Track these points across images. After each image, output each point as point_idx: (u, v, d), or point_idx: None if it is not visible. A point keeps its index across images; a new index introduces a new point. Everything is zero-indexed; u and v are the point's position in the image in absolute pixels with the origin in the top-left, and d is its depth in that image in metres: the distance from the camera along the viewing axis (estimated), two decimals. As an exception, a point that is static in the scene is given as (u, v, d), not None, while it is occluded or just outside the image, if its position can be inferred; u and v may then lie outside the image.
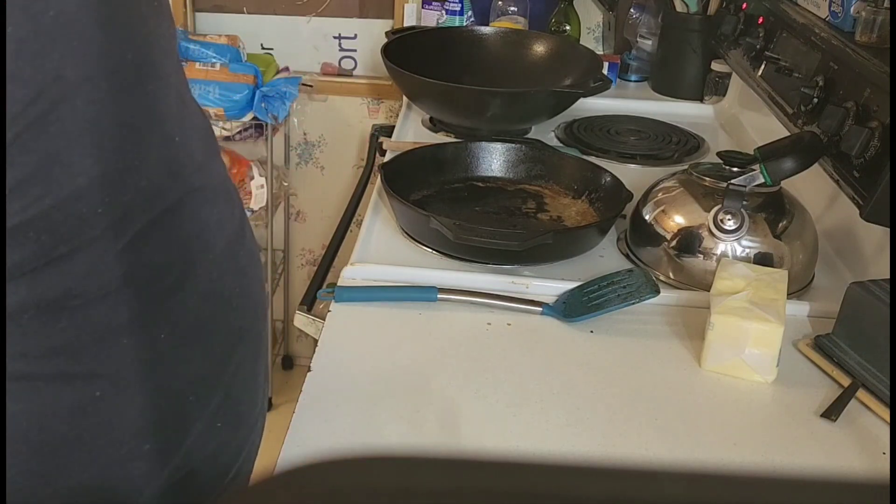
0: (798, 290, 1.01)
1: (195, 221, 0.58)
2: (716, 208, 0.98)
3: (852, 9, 1.10)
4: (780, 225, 1.00)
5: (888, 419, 0.79)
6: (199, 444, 0.59)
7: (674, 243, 1.01)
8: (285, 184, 2.15)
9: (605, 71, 1.58)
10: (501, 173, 1.26)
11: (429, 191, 1.21)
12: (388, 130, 1.53)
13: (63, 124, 0.47)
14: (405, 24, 1.93)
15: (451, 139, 1.44)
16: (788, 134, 1.15)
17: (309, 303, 1.03)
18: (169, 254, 0.56)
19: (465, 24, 1.87)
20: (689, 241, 1.00)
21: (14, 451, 0.50)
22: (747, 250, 0.98)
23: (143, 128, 0.53)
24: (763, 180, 0.99)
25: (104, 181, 0.50)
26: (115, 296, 0.52)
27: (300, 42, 2.11)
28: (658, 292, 0.92)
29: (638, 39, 1.80)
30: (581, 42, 1.84)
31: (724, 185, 0.99)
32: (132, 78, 0.52)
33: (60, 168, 0.47)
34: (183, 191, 0.57)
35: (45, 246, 0.48)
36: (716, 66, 1.64)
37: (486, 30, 1.69)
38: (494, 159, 1.26)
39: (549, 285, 0.98)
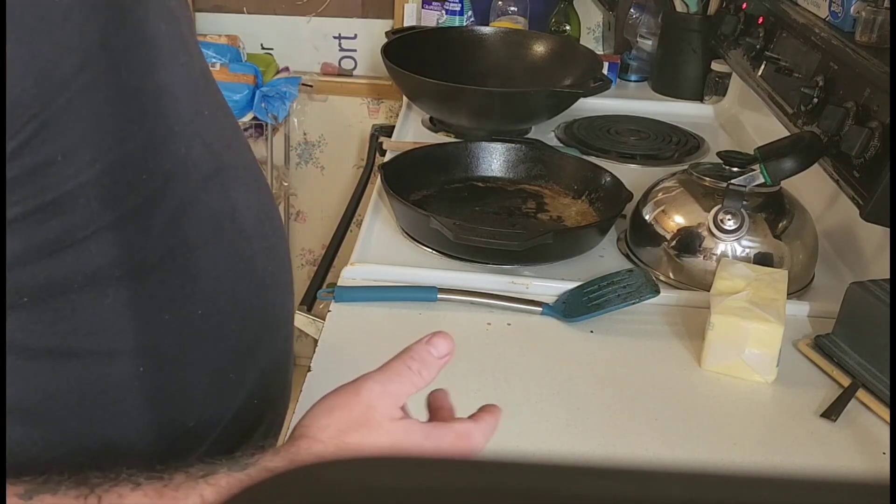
0: (798, 290, 1.01)
1: (226, 199, 0.59)
2: (716, 208, 0.98)
3: (852, 9, 1.10)
4: (780, 225, 1.00)
5: (888, 419, 0.79)
6: (236, 422, 0.60)
7: (674, 243, 1.01)
8: (285, 184, 2.15)
9: (605, 71, 1.58)
10: (501, 173, 1.26)
11: (429, 191, 1.21)
12: (388, 130, 1.53)
13: (106, 93, 0.47)
14: (405, 24, 1.93)
15: (451, 139, 1.44)
16: (788, 134, 1.15)
17: (309, 303, 1.03)
18: (203, 231, 0.56)
19: (465, 24, 1.87)
20: (689, 241, 1.00)
21: (65, 427, 0.51)
22: (747, 250, 0.98)
23: (180, 97, 0.54)
24: (763, 180, 0.99)
25: (148, 147, 0.51)
26: (154, 272, 0.52)
27: (300, 42, 2.11)
28: (658, 292, 0.92)
29: (638, 39, 1.80)
30: (581, 42, 1.84)
31: (724, 185, 0.99)
32: (167, 45, 0.52)
33: (106, 133, 0.48)
34: (214, 166, 0.57)
35: (94, 211, 0.48)
36: (716, 66, 1.64)
37: (486, 30, 1.69)
38: (494, 159, 1.26)
39: (549, 285, 0.98)
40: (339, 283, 0.98)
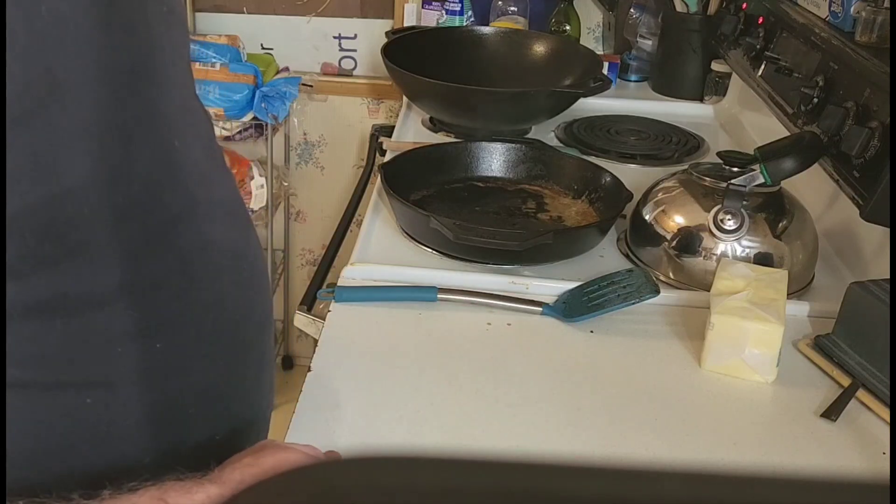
0: (798, 290, 1.01)
1: (198, 236, 0.58)
2: (716, 208, 0.98)
3: (852, 9, 1.10)
4: (780, 225, 1.00)
5: (888, 419, 0.79)
6: (197, 455, 0.59)
7: (674, 243, 1.01)
8: (285, 184, 2.15)
9: (605, 71, 1.58)
10: (501, 173, 1.26)
11: (429, 191, 1.21)
12: (388, 130, 1.53)
13: (50, 122, 0.46)
14: (405, 24, 1.93)
15: (451, 139, 1.44)
16: (788, 134, 1.15)
17: (309, 303, 1.03)
18: (168, 265, 0.55)
19: (465, 24, 1.87)
20: (689, 241, 1.00)
21: (11, 457, 0.50)
22: (747, 250, 0.98)
23: (137, 132, 0.53)
24: (763, 180, 0.99)
25: (94, 182, 0.49)
26: (111, 303, 0.51)
27: (300, 42, 2.11)
28: (658, 292, 0.92)
29: (638, 39, 1.80)
30: (581, 42, 1.84)
31: (724, 185, 0.99)
32: (129, 81, 0.51)
33: (46, 166, 0.47)
34: (185, 202, 0.56)
35: (30, 244, 0.47)
36: (716, 66, 1.64)
37: (486, 30, 1.69)
38: (494, 159, 1.26)
39: (549, 285, 0.98)
40: (339, 283, 0.98)
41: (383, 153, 1.42)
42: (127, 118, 0.52)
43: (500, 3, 1.87)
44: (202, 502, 0.45)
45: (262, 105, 1.90)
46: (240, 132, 2.02)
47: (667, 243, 1.02)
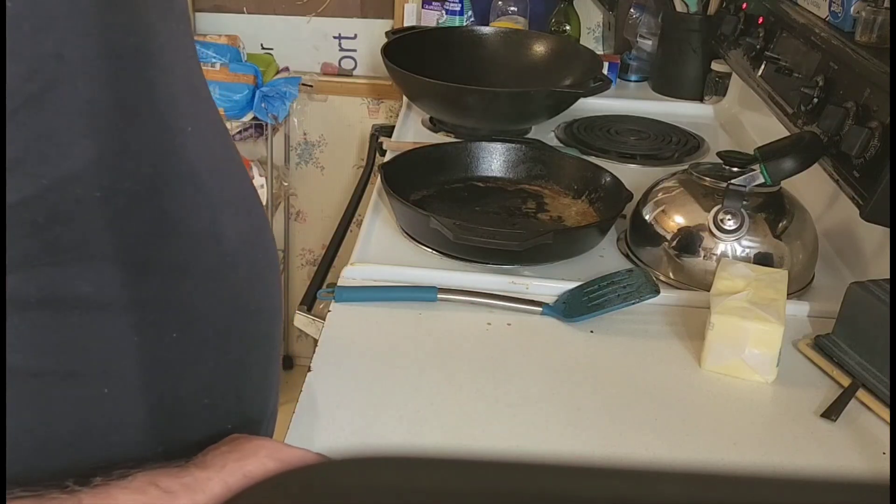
0: (798, 290, 1.01)
1: (212, 226, 0.58)
2: (716, 208, 0.98)
3: (852, 9, 1.10)
4: (780, 225, 1.00)
5: (888, 419, 0.79)
6: (208, 446, 0.59)
7: (674, 243, 1.01)
8: (285, 184, 2.15)
9: (605, 71, 1.58)
10: (501, 173, 1.26)
11: (429, 191, 1.21)
12: (388, 130, 1.53)
13: (59, 103, 0.46)
14: (405, 24, 1.93)
15: (451, 139, 1.44)
16: (788, 134, 1.15)
17: (309, 303, 1.03)
18: (181, 255, 0.55)
19: (465, 24, 1.87)
20: (689, 241, 1.00)
21: (18, 449, 0.50)
22: (747, 250, 0.98)
23: (141, 112, 0.52)
24: (763, 180, 0.99)
25: (101, 163, 0.49)
26: (123, 295, 0.51)
27: (300, 42, 2.11)
28: (658, 292, 0.92)
29: (638, 39, 1.80)
30: (581, 42, 1.84)
31: (724, 185, 0.99)
32: (131, 62, 0.52)
33: (55, 148, 0.47)
34: (196, 191, 0.57)
35: (41, 228, 0.47)
36: (716, 66, 1.64)
37: (486, 30, 1.69)
38: (494, 159, 1.26)
39: (549, 285, 0.98)
40: (339, 283, 0.98)
41: (383, 153, 1.42)
42: (131, 96, 0.52)
43: (500, 3, 1.87)
44: (189, 484, 0.48)
45: (262, 105, 1.90)
46: (240, 132, 2.02)
47: (667, 243, 1.02)
